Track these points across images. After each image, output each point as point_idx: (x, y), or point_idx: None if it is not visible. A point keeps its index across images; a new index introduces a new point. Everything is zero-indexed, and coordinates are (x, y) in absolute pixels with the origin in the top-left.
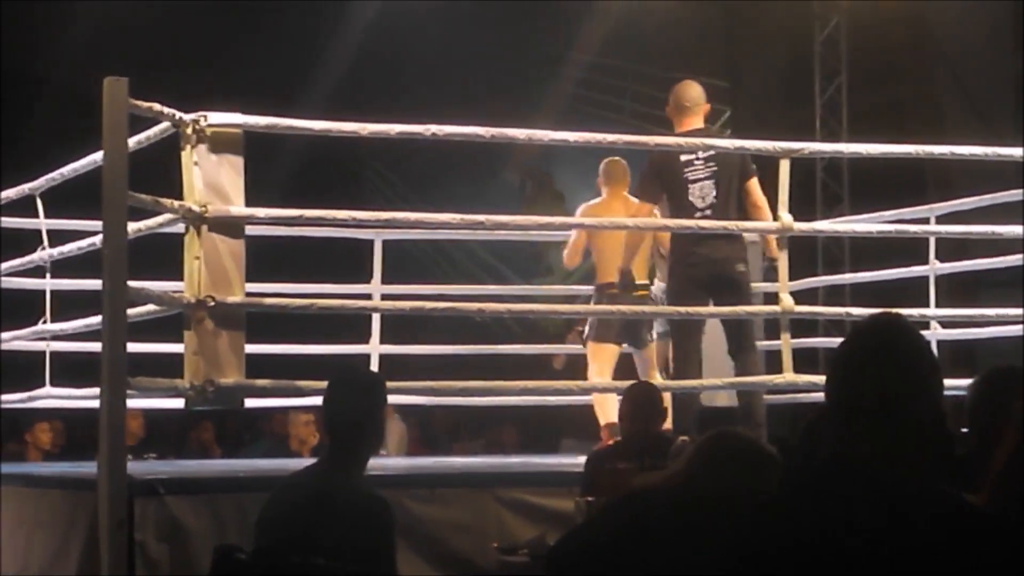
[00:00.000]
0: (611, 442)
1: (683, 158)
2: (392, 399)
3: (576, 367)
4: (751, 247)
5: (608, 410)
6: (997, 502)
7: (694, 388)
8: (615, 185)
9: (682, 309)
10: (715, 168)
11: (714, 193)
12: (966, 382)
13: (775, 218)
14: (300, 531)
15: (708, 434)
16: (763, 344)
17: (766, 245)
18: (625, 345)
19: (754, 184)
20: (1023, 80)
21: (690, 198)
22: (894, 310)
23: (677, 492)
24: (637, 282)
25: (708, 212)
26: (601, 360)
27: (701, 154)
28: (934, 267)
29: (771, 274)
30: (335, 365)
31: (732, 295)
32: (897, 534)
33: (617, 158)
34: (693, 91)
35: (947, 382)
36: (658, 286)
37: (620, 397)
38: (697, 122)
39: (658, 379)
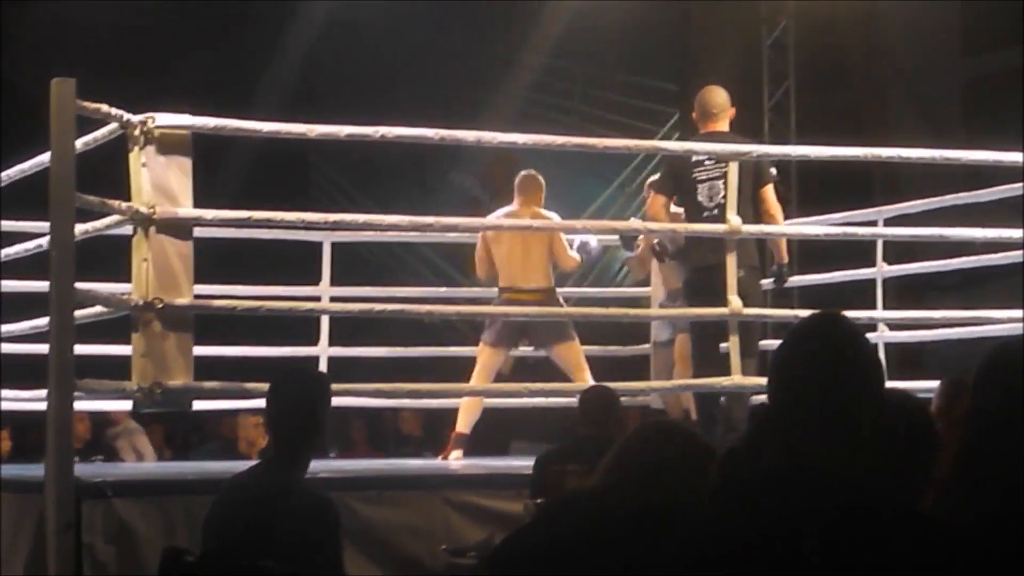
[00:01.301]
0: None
1: (694, 158)
2: (341, 401)
3: (524, 369)
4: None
5: (467, 418)
6: (942, 508)
7: (637, 391)
8: (525, 197)
9: (606, 311)
10: (725, 169)
11: (722, 193)
12: (914, 384)
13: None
14: (246, 533)
15: (636, 427)
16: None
17: (776, 249)
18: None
19: (768, 191)
20: (970, 85)
21: (699, 198)
22: (833, 309)
23: (612, 492)
24: (532, 286)
25: (716, 212)
26: (482, 362)
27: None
28: (882, 270)
29: (778, 280)
30: (283, 366)
31: (720, 299)
32: (846, 540)
33: (533, 172)
34: (719, 97)
35: (902, 385)
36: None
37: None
38: (721, 127)
39: (588, 381)
